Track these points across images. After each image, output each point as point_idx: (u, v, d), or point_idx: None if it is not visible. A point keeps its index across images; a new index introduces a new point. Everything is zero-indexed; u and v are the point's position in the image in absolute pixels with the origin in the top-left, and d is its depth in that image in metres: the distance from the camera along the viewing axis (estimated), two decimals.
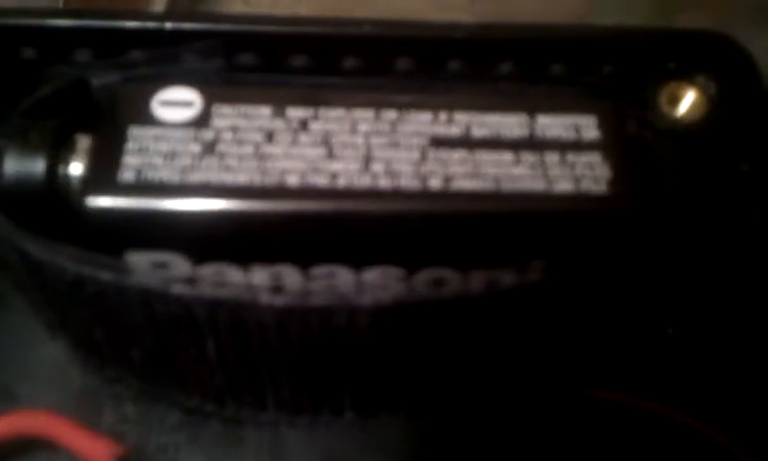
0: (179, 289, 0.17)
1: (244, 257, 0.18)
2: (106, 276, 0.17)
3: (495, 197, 0.18)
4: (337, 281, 0.18)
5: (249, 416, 0.21)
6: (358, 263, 0.18)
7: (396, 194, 0.18)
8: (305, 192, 0.18)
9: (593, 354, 0.23)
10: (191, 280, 0.18)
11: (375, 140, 0.19)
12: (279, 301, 0.17)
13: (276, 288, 0.18)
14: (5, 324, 0.26)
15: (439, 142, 0.19)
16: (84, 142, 0.19)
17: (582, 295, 0.19)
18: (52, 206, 0.19)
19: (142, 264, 0.18)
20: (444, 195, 0.18)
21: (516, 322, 0.19)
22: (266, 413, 0.21)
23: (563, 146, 0.19)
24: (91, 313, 0.19)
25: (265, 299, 0.17)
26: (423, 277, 0.18)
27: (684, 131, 0.22)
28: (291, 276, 0.18)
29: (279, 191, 0.18)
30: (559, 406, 0.23)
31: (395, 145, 0.19)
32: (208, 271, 0.18)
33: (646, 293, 0.21)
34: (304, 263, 0.18)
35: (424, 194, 0.18)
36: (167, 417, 0.23)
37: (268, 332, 0.18)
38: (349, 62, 0.22)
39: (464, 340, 0.19)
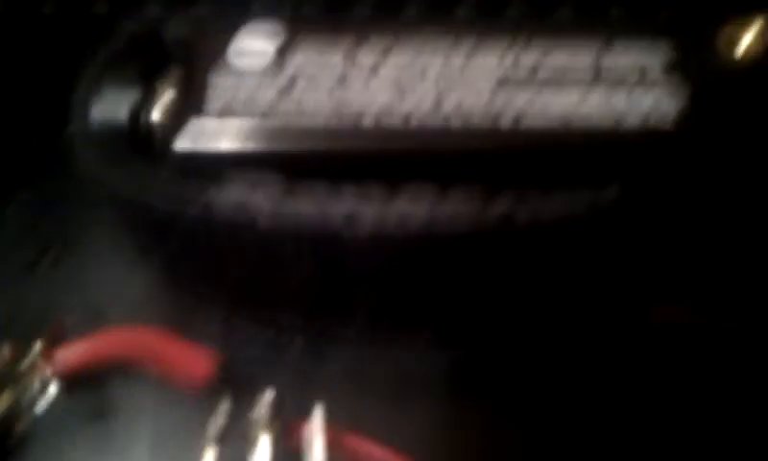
0: (264, 224, 0.18)
1: (322, 194, 0.19)
2: (196, 211, 0.18)
3: (564, 133, 0.19)
4: (413, 215, 0.19)
5: (334, 333, 0.22)
6: (432, 198, 0.19)
7: (468, 133, 0.19)
8: (380, 133, 0.19)
9: (652, 280, 0.23)
10: (275, 215, 0.18)
11: (445, 82, 0.19)
12: (362, 230, 0.18)
13: (357, 220, 0.18)
14: (96, 248, 0.27)
15: (507, 83, 0.19)
16: (163, 90, 0.20)
17: (646, 225, 0.20)
18: (134, 153, 0.20)
19: (225, 203, 0.19)
20: (515, 132, 0.19)
21: (587, 248, 0.20)
22: (350, 330, 0.22)
23: (629, 84, 0.19)
24: (183, 245, 0.20)
25: (347, 230, 0.18)
26: (496, 209, 0.19)
27: (743, 71, 0.22)
28: (368, 211, 0.19)
29: (355, 132, 0.19)
30: (619, 331, 0.24)
31: (464, 86, 0.19)
32: (289, 208, 0.19)
33: (708, 222, 0.22)
34: (381, 200, 0.19)
35: (495, 132, 0.19)
36: (255, 335, 0.24)
37: (351, 260, 0.18)
38: (410, 11, 0.23)
39: (537, 266, 0.20)
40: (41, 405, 0.23)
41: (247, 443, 0.20)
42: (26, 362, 0.23)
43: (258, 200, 0.19)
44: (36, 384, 0.23)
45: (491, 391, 0.23)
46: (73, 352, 0.23)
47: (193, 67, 0.20)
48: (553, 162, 0.19)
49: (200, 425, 0.22)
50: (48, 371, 0.23)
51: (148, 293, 0.25)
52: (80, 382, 0.24)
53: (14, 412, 0.23)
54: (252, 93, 0.19)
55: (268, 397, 0.21)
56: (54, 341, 0.24)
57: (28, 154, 0.30)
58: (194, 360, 0.23)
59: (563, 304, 0.22)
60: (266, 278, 0.21)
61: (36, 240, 0.28)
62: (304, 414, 0.21)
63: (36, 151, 0.29)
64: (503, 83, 0.19)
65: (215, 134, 0.19)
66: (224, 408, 0.21)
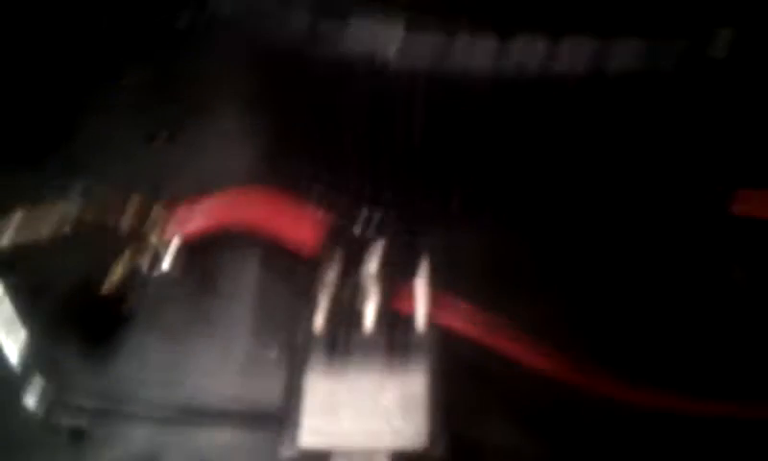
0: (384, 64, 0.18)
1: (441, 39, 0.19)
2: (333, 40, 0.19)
3: None
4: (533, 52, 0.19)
5: (428, 217, 0.23)
6: (543, 46, 0.19)
7: None
8: None
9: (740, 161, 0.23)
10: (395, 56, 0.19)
11: None
12: (493, 67, 0.18)
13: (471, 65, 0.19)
14: (201, 131, 0.28)
15: None
16: None
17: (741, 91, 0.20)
18: None
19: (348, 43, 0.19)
20: None
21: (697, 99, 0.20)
22: (445, 213, 0.22)
23: None
24: (309, 91, 0.20)
25: (481, 64, 0.18)
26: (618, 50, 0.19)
27: None
28: (490, 46, 0.19)
29: None
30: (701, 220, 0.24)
31: None
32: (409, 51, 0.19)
33: None
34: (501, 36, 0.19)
35: None
36: (349, 221, 0.25)
37: (479, 101, 0.19)
38: None
39: (653, 116, 0.20)
40: (159, 266, 0.24)
41: (356, 298, 0.21)
42: (147, 223, 0.25)
43: (379, 41, 0.19)
44: (155, 244, 0.25)
45: (572, 274, 0.24)
46: (191, 213, 0.24)
47: None
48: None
49: (305, 293, 0.23)
50: (167, 232, 0.24)
51: (258, 164, 0.26)
52: (194, 247, 0.25)
53: (134, 271, 0.24)
54: None
55: (377, 253, 0.22)
56: (171, 205, 0.25)
57: (143, 33, 0.31)
58: (305, 223, 0.24)
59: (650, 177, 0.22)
60: (376, 143, 0.21)
61: (154, 114, 0.29)
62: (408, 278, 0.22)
63: (152, 30, 0.30)
64: None
65: None
66: (334, 266, 0.22)
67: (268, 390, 0.22)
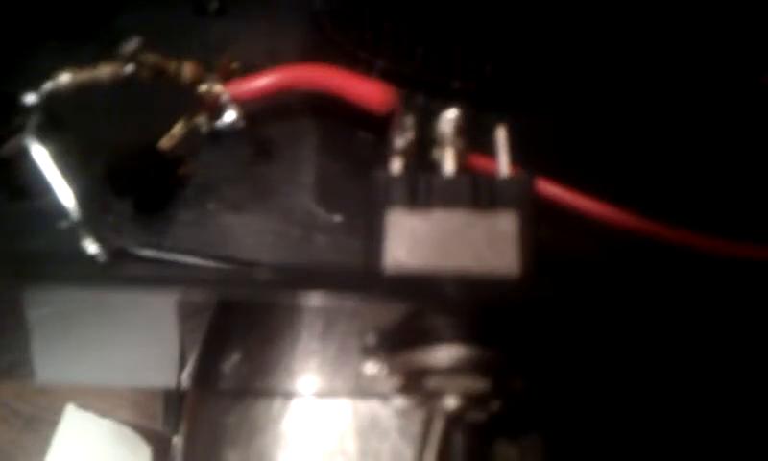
0: None
1: None
2: None
3: None
4: None
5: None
6: None
7: None
8: None
9: None
10: None
11: None
12: None
13: None
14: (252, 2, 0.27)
15: None
16: None
17: None
18: None
19: None
20: None
21: None
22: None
23: None
24: None
25: None
26: None
27: None
28: None
29: None
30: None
31: None
32: None
33: None
34: None
35: None
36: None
37: None
38: None
39: None
40: (221, 119, 0.23)
41: (433, 147, 0.20)
42: (207, 79, 0.24)
43: None
44: (217, 96, 0.23)
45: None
46: (255, 80, 0.23)
47: None
48: None
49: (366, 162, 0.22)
50: (226, 96, 0.23)
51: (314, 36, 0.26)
52: (252, 115, 0.24)
53: (194, 131, 0.24)
54: None
55: (451, 114, 0.21)
56: (228, 73, 0.24)
57: None
58: (375, 88, 0.23)
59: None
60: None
61: None
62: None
63: None
64: None
65: None
66: (408, 124, 0.21)
67: (334, 252, 0.22)
